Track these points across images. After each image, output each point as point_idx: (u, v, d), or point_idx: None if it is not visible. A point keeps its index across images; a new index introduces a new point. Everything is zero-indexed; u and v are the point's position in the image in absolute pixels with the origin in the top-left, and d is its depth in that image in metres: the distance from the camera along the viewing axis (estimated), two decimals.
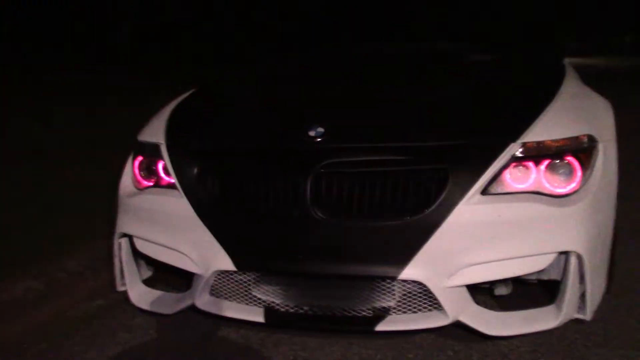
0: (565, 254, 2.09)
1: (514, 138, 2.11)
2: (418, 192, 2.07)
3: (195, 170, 2.30)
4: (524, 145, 2.10)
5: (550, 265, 2.10)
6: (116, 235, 2.53)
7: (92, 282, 3.15)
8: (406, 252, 2.04)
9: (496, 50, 3.26)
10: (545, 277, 2.22)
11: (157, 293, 2.52)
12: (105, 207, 3.37)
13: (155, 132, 2.56)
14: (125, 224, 2.50)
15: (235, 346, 2.43)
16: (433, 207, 2.03)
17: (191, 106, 2.83)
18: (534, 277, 2.23)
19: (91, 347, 2.46)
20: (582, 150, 2.15)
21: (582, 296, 2.14)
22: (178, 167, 2.35)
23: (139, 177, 2.52)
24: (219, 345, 2.44)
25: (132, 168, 2.57)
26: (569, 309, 2.12)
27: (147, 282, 2.63)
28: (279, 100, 2.68)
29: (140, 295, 2.53)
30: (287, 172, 2.15)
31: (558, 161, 2.12)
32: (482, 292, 2.36)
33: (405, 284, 2.11)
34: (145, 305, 2.49)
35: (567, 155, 2.13)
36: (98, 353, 2.42)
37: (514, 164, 2.09)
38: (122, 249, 2.53)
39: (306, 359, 2.30)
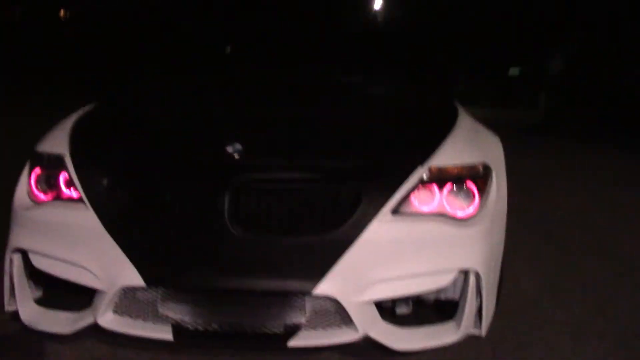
0: (465, 272, 2.24)
1: (421, 162, 2.25)
2: (332, 210, 2.14)
3: (104, 182, 2.23)
4: (430, 169, 2.24)
5: (451, 284, 2.24)
6: (8, 250, 2.37)
7: None
8: (320, 268, 2.09)
9: (392, 83, 3.45)
10: (443, 296, 2.36)
11: (51, 312, 2.37)
12: None
13: (57, 143, 2.45)
14: (20, 238, 2.35)
15: None
16: (347, 224, 2.12)
17: (95, 119, 2.75)
18: (432, 297, 2.37)
19: None
20: (480, 177, 2.33)
21: (478, 313, 2.30)
22: (84, 179, 2.27)
23: (35, 190, 2.40)
24: None
25: (27, 180, 2.44)
26: (467, 325, 2.26)
27: (37, 303, 2.47)
28: (192, 116, 2.68)
29: (33, 315, 2.37)
30: (204, 186, 2.15)
31: (459, 186, 2.28)
32: (384, 313, 2.44)
33: (316, 299, 2.16)
34: (39, 326, 2.34)
35: (467, 181, 2.30)
36: None
37: (420, 186, 2.22)
38: (14, 265, 2.37)
39: None
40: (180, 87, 3.27)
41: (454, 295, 2.34)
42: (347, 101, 2.98)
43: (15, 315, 2.40)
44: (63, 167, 2.33)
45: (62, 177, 2.34)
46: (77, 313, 2.31)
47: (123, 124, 2.64)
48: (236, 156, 2.20)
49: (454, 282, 2.25)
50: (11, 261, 2.37)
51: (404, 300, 2.36)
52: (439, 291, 2.32)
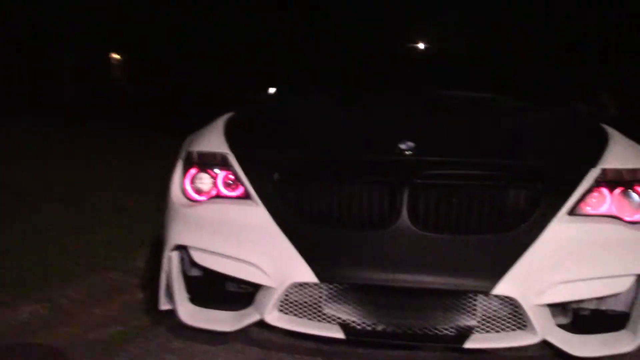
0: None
1: (593, 165, 2.22)
2: (512, 209, 2.11)
3: (275, 180, 2.23)
4: (602, 171, 2.21)
5: (628, 290, 2.17)
6: (167, 248, 2.38)
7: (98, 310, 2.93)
8: (500, 267, 2.05)
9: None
10: (604, 307, 2.29)
11: (211, 311, 2.35)
12: None
13: (215, 143, 2.47)
14: (181, 235, 2.35)
15: None
16: (527, 223, 2.08)
17: (247, 121, 2.78)
18: (592, 307, 2.30)
19: None
20: None
21: None
22: (253, 177, 2.28)
23: (191, 189, 2.41)
24: None
25: (182, 179, 2.46)
26: None
27: None
28: (353, 118, 2.69)
29: (192, 313, 2.35)
30: (381, 183, 2.14)
31: (629, 189, 2.24)
32: None
33: (489, 301, 2.11)
34: (198, 323, 2.32)
35: (636, 185, 2.25)
36: None
37: (594, 188, 2.19)
38: (172, 262, 2.37)
39: None
40: (327, 96, 3.30)
41: (615, 305, 2.27)
42: (502, 113, 2.98)
43: (168, 314, 2.40)
44: (226, 166, 2.35)
45: (224, 176, 2.36)
46: (240, 311, 2.29)
47: (282, 126, 2.66)
48: (411, 153, 2.19)
49: (625, 290, 2.19)
50: (170, 259, 2.37)
51: (564, 309, 2.29)
52: (601, 300, 2.27)
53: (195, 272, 2.43)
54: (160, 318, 2.67)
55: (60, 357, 2.36)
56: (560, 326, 2.21)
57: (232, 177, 2.34)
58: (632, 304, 2.22)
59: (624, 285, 2.15)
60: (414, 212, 2.09)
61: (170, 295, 2.39)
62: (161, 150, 8.64)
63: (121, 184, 5.79)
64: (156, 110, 14.67)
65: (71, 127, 10.04)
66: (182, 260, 2.39)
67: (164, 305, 2.41)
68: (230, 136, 2.51)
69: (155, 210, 4.77)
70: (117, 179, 6.11)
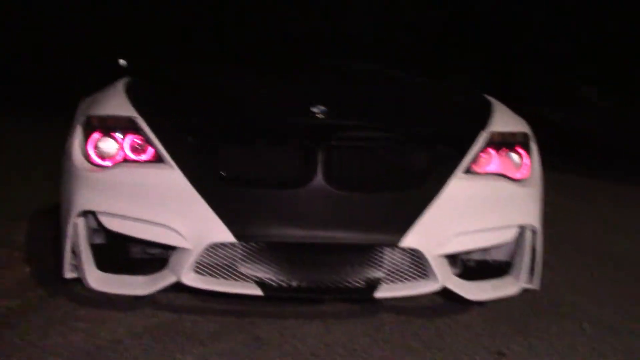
0: (522, 228, 2.43)
1: (483, 128, 2.44)
2: (416, 168, 2.29)
3: (190, 142, 2.24)
4: (491, 133, 2.44)
5: (513, 239, 2.42)
6: (72, 214, 2.30)
7: None
8: (406, 222, 2.22)
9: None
10: (489, 257, 2.55)
11: (122, 276, 2.32)
12: None
13: (121, 107, 2.41)
14: (88, 201, 2.28)
15: (209, 328, 2.33)
16: (429, 181, 2.26)
17: (150, 85, 2.73)
18: (478, 257, 2.55)
19: (47, 336, 2.19)
20: (527, 143, 2.54)
21: (531, 268, 2.49)
22: (165, 140, 2.26)
23: (94, 154, 2.34)
24: (194, 327, 2.35)
25: (84, 145, 2.38)
26: (524, 279, 2.45)
27: None
28: (259, 85, 2.73)
29: (101, 279, 2.30)
30: (297, 144, 2.22)
31: (512, 150, 2.48)
32: None
33: (395, 254, 2.28)
34: (111, 289, 2.29)
35: (518, 146, 2.50)
36: (59, 339, 2.17)
37: (484, 149, 2.41)
38: (78, 229, 2.30)
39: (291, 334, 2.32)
40: (225, 67, 3.28)
41: (498, 255, 2.53)
42: (398, 83, 3.14)
43: (66, 284, 2.36)
44: (135, 129, 2.31)
45: (131, 140, 2.32)
46: (154, 274, 2.28)
47: (190, 90, 2.65)
48: (324, 117, 2.29)
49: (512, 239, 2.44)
50: (75, 226, 2.30)
51: (456, 260, 2.51)
52: (486, 251, 2.51)
53: (101, 238, 2.38)
54: (58, 288, 2.60)
55: None
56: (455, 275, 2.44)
57: (139, 140, 2.31)
58: (514, 253, 2.49)
59: (509, 235, 2.41)
60: (328, 172, 2.19)
61: (75, 263, 2.33)
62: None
63: None
64: None
65: None
66: (87, 226, 2.33)
67: (69, 274, 2.34)
68: (135, 99, 2.46)
69: (25, 180, 4.56)
70: None
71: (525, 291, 2.48)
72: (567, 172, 6.49)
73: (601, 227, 4.58)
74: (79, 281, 2.33)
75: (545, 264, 2.52)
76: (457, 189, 2.29)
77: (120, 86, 2.66)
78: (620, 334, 2.48)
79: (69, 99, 3.46)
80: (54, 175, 2.66)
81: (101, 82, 2.83)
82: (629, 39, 9.46)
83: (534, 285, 2.49)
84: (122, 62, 3.28)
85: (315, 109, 2.31)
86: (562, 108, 10.97)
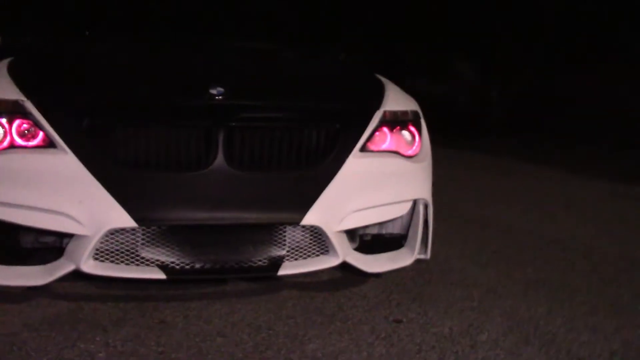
0: (415, 202, 2.57)
1: (377, 107, 2.54)
2: (315, 148, 2.34)
3: (83, 125, 2.17)
4: (384, 112, 2.54)
5: (407, 213, 2.55)
6: None
7: None
8: (307, 201, 2.28)
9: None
10: (384, 231, 2.67)
11: (12, 267, 2.20)
12: None
13: (5, 90, 2.29)
14: None
15: (111, 315, 2.30)
16: (328, 160, 2.33)
17: (36, 66, 2.60)
18: (374, 232, 2.66)
19: None
20: (417, 121, 2.67)
21: (424, 239, 2.64)
22: (57, 123, 2.18)
23: None
24: (95, 314, 2.30)
25: None
26: (418, 250, 2.59)
27: None
28: (152, 64, 2.67)
29: None
30: (194, 127, 2.22)
31: (404, 128, 2.60)
32: None
33: (296, 232, 2.34)
34: (3, 281, 2.19)
35: (409, 124, 2.63)
36: None
37: (379, 127, 2.51)
38: None
39: (196, 316, 2.33)
40: (116, 44, 3.16)
41: (393, 229, 2.66)
42: (292, 63, 3.17)
43: None
44: (23, 113, 2.21)
45: (18, 124, 2.22)
46: (50, 264, 2.20)
47: (81, 71, 2.54)
48: (222, 98, 2.29)
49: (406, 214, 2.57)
50: None
51: (353, 235, 2.61)
52: (381, 226, 2.63)
53: None
54: None
55: None
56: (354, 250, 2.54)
57: (27, 125, 2.21)
58: (408, 226, 2.62)
59: (404, 209, 2.53)
60: (229, 153, 2.20)
61: None
62: None
63: None
64: None
65: None
66: None
67: None
68: (21, 81, 2.34)
69: None
70: None
71: (417, 261, 2.62)
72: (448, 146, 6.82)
73: (480, 196, 4.90)
74: None
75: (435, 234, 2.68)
76: (355, 166, 2.38)
77: (3, 67, 2.52)
78: (502, 296, 2.69)
79: None
80: None
81: None
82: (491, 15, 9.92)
83: (427, 255, 2.64)
84: None
85: (213, 90, 2.30)
86: (439, 82, 11.41)
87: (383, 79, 2.95)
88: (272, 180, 2.28)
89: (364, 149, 2.44)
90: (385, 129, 2.53)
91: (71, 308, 2.34)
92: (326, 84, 2.78)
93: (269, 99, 2.43)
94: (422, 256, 2.64)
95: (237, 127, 2.23)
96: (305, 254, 2.37)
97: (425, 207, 2.58)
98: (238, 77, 2.57)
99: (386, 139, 2.53)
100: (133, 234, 2.21)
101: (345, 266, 2.44)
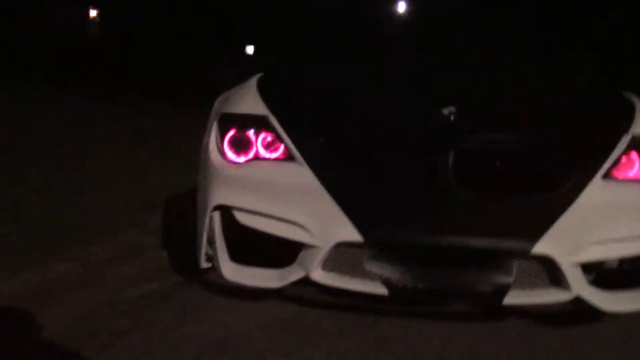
0: None
1: (626, 130, 2.31)
2: (552, 172, 2.20)
3: (319, 141, 2.29)
4: (633, 136, 2.30)
5: None
6: (208, 208, 2.42)
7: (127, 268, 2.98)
8: (539, 228, 2.14)
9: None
10: (626, 266, 2.41)
11: (254, 269, 2.42)
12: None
13: (253, 105, 2.50)
14: (224, 196, 2.39)
15: (334, 325, 2.39)
16: (565, 186, 2.17)
17: (282, 83, 2.82)
18: (616, 265, 2.41)
19: (184, 323, 2.34)
20: None
21: None
22: (296, 138, 2.32)
23: (230, 151, 2.45)
24: (320, 321, 2.43)
25: (220, 141, 2.49)
26: None
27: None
28: (390, 85, 2.74)
29: (235, 271, 2.41)
30: (428, 146, 2.21)
31: None
32: None
33: (524, 260, 2.21)
34: (243, 280, 2.39)
35: None
36: (195, 327, 2.30)
37: (625, 153, 2.28)
38: (214, 222, 2.42)
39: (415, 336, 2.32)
40: (354, 65, 3.32)
41: (636, 264, 2.38)
42: (526, 80, 3.04)
43: (198, 271, 2.49)
44: (267, 127, 2.39)
45: (263, 137, 2.40)
46: (284, 269, 2.35)
47: (320, 88, 2.70)
48: (454, 118, 2.26)
49: None
50: (212, 219, 2.42)
51: (590, 268, 2.40)
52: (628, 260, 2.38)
53: (235, 231, 2.49)
54: (192, 275, 2.76)
55: (104, 315, 2.42)
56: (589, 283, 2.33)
57: (271, 138, 2.39)
58: None
59: None
60: (459, 176, 2.16)
61: (209, 254, 2.45)
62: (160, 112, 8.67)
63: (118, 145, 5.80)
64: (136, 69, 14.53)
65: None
66: (222, 219, 2.44)
67: (205, 264, 2.47)
68: (268, 98, 2.54)
69: (158, 172, 4.84)
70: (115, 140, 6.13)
71: None
72: None
73: None
74: (213, 270, 2.46)
75: None
76: (595, 195, 2.18)
77: (253, 82, 2.75)
78: None
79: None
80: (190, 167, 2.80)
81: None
82: None
83: None
84: (249, 49, 3.39)
85: (445, 111, 2.28)
86: None
87: (634, 97, 2.68)
88: (502, 206, 2.18)
89: (607, 176, 2.23)
90: (633, 155, 2.30)
91: (300, 313, 2.48)
92: (567, 104, 2.59)
93: (502, 121, 2.33)
94: None
95: (467, 149, 2.18)
96: (533, 284, 2.23)
97: None
98: (471, 97, 2.51)
99: (634, 166, 2.29)
100: (360, 248, 2.26)
101: (578, 302, 2.25)
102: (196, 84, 12.03)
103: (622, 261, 2.39)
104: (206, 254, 2.47)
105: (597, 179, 2.20)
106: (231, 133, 2.47)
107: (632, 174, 2.29)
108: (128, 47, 18.17)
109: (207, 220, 2.42)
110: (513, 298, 2.21)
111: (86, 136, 6.36)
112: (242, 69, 4.35)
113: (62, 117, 7.49)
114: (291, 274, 2.32)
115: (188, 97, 10.67)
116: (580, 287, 2.21)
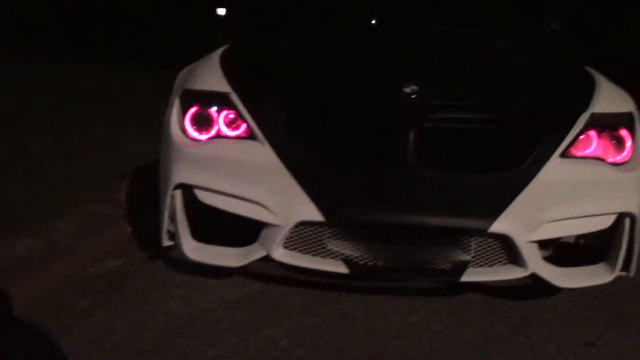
0: (621, 215, 2.33)
1: (584, 108, 2.33)
2: (512, 150, 2.22)
3: (281, 120, 2.27)
4: (592, 115, 2.32)
5: (610, 227, 2.33)
6: (169, 186, 2.40)
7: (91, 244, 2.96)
8: (497, 207, 2.17)
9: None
10: (583, 241, 2.46)
11: (216, 247, 2.42)
12: None
13: (215, 81, 2.47)
14: (185, 174, 2.37)
15: (297, 302, 2.42)
16: (524, 165, 2.19)
17: (244, 57, 2.78)
18: (571, 241, 2.47)
19: (147, 302, 2.35)
20: (631, 124, 2.41)
21: (628, 254, 2.39)
22: (257, 116, 2.30)
23: (191, 129, 2.42)
24: (282, 298, 2.45)
25: (181, 118, 2.46)
26: (619, 267, 2.35)
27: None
28: (353, 58, 2.70)
29: (196, 249, 2.41)
30: (388, 124, 2.21)
31: (614, 132, 2.36)
32: None
33: (483, 238, 2.24)
34: (204, 259, 2.39)
35: (621, 128, 2.38)
36: (157, 306, 2.32)
37: (583, 131, 2.30)
38: (176, 200, 2.41)
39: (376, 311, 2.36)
40: (324, 35, 3.26)
41: (591, 241, 2.44)
42: (490, 54, 3.03)
43: (163, 248, 2.49)
44: (229, 105, 2.36)
45: (225, 115, 2.38)
46: (246, 247, 2.36)
47: (284, 64, 2.66)
48: (415, 96, 2.25)
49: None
50: (173, 197, 2.40)
51: (545, 245, 2.45)
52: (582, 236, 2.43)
53: (196, 210, 2.48)
54: (156, 252, 2.75)
55: (68, 293, 2.41)
56: (544, 259, 2.38)
57: (233, 116, 2.37)
58: (610, 239, 2.39)
59: (606, 222, 2.31)
60: (419, 154, 2.17)
61: (171, 232, 2.45)
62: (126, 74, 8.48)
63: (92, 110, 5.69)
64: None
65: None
66: (184, 198, 2.43)
67: (167, 242, 2.46)
68: (230, 74, 2.50)
69: (130, 141, 4.77)
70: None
71: (618, 278, 2.39)
72: None
73: None
74: (175, 248, 2.46)
75: None
76: (553, 173, 2.20)
77: (216, 57, 2.71)
78: None
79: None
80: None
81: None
82: None
83: (630, 273, 2.39)
84: (220, 11, 3.30)
85: (407, 89, 2.27)
86: None
87: (595, 74, 2.69)
88: (461, 184, 2.20)
89: (564, 154, 2.25)
90: (591, 133, 2.32)
91: (262, 289, 2.51)
92: (526, 81, 2.56)
93: (463, 98, 2.33)
94: (624, 273, 2.40)
95: (428, 127, 2.18)
96: (491, 261, 2.27)
97: (632, 221, 2.33)
98: (432, 72, 2.50)
99: (591, 144, 2.32)
100: (321, 227, 2.27)
101: (533, 278, 2.31)
102: (164, 49, 11.73)
103: (579, 238, 2.47)
104: (168, 231, 2.47)
105: (555, 157, 2.22)
106: (193, 110, 2.44)
107: (589, 151, 2.32)
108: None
109: (168, 199, 2.41)
110: (471, 275, 2.25)
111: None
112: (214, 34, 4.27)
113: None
114: (253, 253, 2.32)
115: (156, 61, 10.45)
116: (536, 264, 2.26)
